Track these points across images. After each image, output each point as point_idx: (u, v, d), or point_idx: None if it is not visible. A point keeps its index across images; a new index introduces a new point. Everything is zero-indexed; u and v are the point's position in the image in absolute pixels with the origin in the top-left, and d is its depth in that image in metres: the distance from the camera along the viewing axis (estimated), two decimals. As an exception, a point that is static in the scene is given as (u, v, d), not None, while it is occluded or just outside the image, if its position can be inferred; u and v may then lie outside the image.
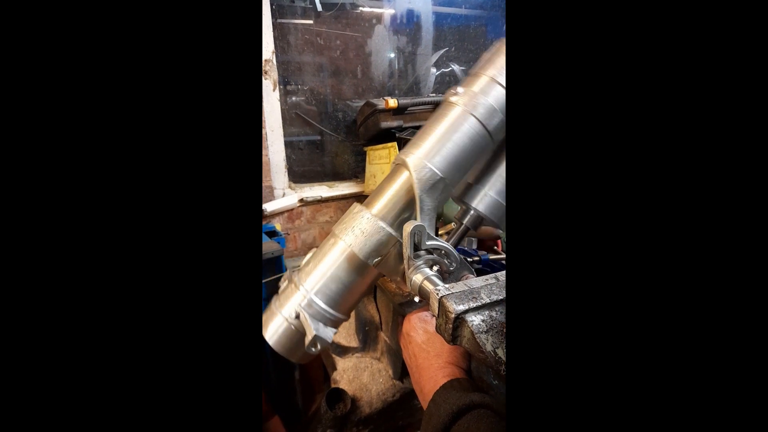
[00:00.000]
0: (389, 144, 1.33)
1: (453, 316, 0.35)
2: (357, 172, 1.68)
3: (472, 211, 0.49)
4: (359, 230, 0.44)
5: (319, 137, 1.57)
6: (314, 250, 0.48)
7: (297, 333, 0.45)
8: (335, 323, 0.47)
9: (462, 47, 1.77)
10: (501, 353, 0.35)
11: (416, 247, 0.43)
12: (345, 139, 1.62)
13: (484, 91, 0.45)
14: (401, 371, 0.64)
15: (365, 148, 1.54)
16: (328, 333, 0.45)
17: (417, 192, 0.43)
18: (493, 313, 0.37)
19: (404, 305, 0.53)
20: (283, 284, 0.49)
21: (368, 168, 1.50)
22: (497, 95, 0.44)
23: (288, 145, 1.47)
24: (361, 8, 1.53)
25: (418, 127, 0.96)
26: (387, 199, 0.45)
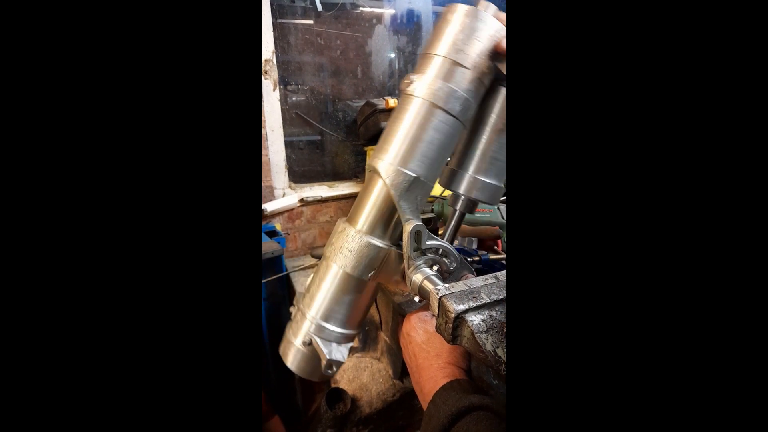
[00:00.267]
0: (389, 144, 1.32)
1: (453, 315, 0.35)
2: (357, 172, 1.68)
3: (462, 197, 0.48)
4: (347, 250, 0.44)
5: (319, 137, 1.57)
6: (312, 274, 0.49)
7: (314, 357, 0.47)
8: (348, 338, 0.48)
9: (462, 47, 1.77)
10: (501, 353, 0.35)
11: (416, 247, 0.43)
12: (345, 139, 1.62)
13: (440, 75, 0.41)
14: (401, 371, 0.64)
15: (365, 148, 1.54)
16: (341, 353, 0.47)
17: (395, 199, 0.42)
18: (493, 313, 0.37)
19: (404, 305, 0.53)
20: (293, 310, 0.51)
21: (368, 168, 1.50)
22: (454, 75, 0.41)
23: (288, 145, 1.47)
24: (361, 8, 1.53)
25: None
26: (368, 211, 0.45)
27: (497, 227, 1.04)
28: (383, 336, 0.73)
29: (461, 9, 0.41)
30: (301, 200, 1.44)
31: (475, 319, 0.36)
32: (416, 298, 0.43)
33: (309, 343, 0.46)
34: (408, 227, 0.41)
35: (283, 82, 1.42)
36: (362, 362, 0.78)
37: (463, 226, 1.05)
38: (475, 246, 1.00)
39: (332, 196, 1.51)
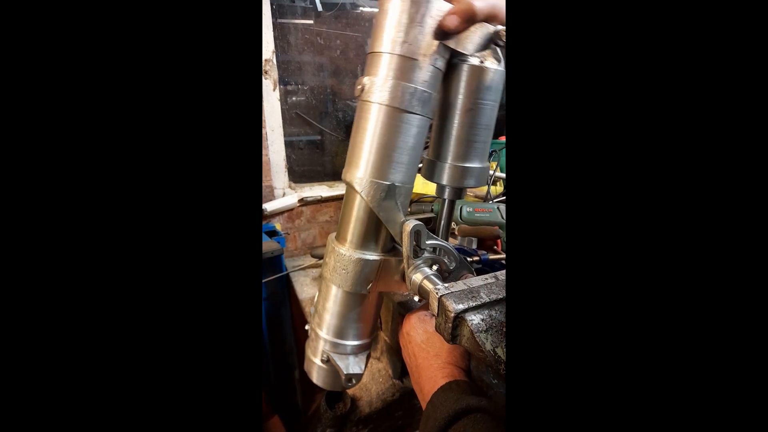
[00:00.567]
0: (389, 144, 1.32)
1: (452, 315, 0.35)
2: (357, 172, 1.67)
3: (447, 188, 0.48)
4: (341, 268, 0.44)
5: (319, 137, 1.57)
6: (317, 293, 0.51)
7: (335, 372, 0.49)
8: (363, 347, 0.50)
9: (462, 47, 1.77)
10: (500, 352, 0.35)
11: (415, 246, 0.43)
12: (345, 139, 1.62)
13: (392, 74, 0.39)
14: (401, 371, 0.64)
15: (365, 148, 1.53)
16: (359, 366, 0.48)
17: (375, 210, 0.41)
18: (493, 312, 0.37)
19: (404, 305, 0.53)
20: (308, 328, 0.53)
21: (368, 168, 1.49)
22: (407, 70, 0.38)
23: (288, 144, 1.47)
24: (361, 8, 1.53)
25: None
26: (353, 226, 0.44)
27: (497, 227, 1.04)
28: (383, 336, 0.73)
29: None
30: (301, 200, 1.44)
31: (475, 319, 0.36)
32: (416, 298, 0.43)
33: (327, 360, 0.48)
34: (408, 227, 0.42)
35: (283, 81, 1.42)
36: (362, 362, 0.78)
37: (463, 226, 1.05)
38: (474, 246, 1.00)
39: (332, 196, 1.50)
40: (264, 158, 1.37)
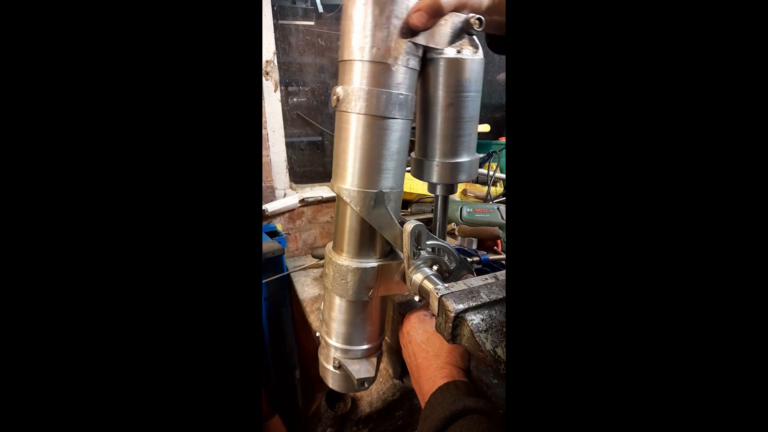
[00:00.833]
0: (390, 144, 1.33)
1: (452, 315, 0.36)
2: (358, 173, 1.67)
3: (438, 186, 0.47)
4: (340, 278, 0.45)
5: (320, 138, 1.57)
6: (322, 302, 0.51)
7: (348, 376, 0.50)
8: (373, 350, 0.50)
9: (463, 48, 1.77)
10: (500, 352, 0.35)
11: (416, 247, 0.43)
12: (346, 140, 1.62)
13: (366, 81, 0.38)
14: (401, 371, 0.64)
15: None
16: (369, 370, 0.49)
17: (367, 219, 0.41)
18: (493, 312, 0.37)
19: (404, 304, 0.53)
20: (318, 336, 0.54)
21: (369, 168, 1.49)
22: (380, 76, 0.37)
23: (289, 145, 1.47)
24: (362, 9, 1.52)
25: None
26: (348, 236, 0.44)
27: (497, 228, 1.04)
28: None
29: None
30: (302, 200, 1.45)
31: (475, 319, 0.36)
32: (416, 298, 0.43)
33: (339, 366, 0.50)
34: (408, 228, 0.42)
35: (285, 83, 1.42)
36: (362, 362, 0.78)
37: (463, 227, 1.05)
38: (474, 246, 1.01)
39: (333, 197, 1.50)
40: (265, 159, 1.37)
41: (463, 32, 0.40)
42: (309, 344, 1.27)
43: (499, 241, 1.04)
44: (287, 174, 1.48)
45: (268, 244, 1.13)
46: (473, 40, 0.41)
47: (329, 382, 0.53)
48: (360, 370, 0.49)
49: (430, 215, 1.20)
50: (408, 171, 0.46)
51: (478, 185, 1.43)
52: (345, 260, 0.44)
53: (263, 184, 1.38)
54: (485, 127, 1.64)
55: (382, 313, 0.51)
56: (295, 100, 1.47)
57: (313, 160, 1.56)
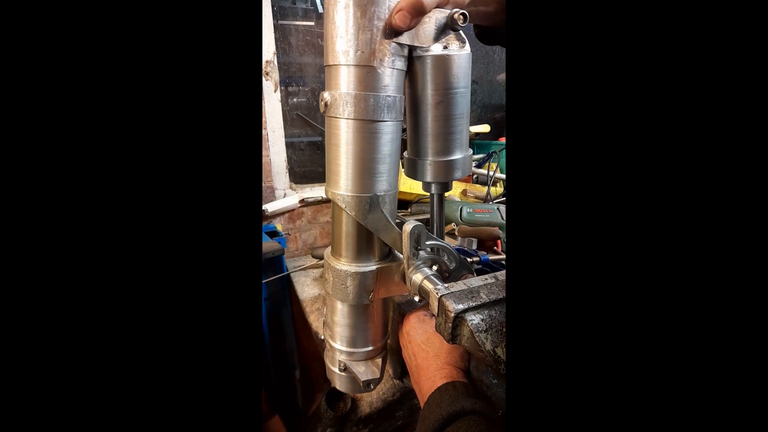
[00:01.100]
0: (390, 145, 1.33)
1: (452, 315, 0.36)
2: (358, 173, 1.67)
3: (433, 185, 0.47)
4: (340, 283, 0.45)
5: (320, 138, 1.57)
6: (326, 307, 0.52)
7: (354, 378, 0.50)
8: (376, 351, 0.51)
9: (463, 48, 1.77)
10: (500, 352, 0.35)
11: (415, 247, 0.44)
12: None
13: (353, 86, 0.37)
14: (401, 371, 0.64)
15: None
16: (374, 372, 0.49)
17: (363, 223, 0.41)
18: (493, 312, 0.37)
19: (404, 305, 0.53)
20: (323, 338, 0.54)
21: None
22: (367, 80, 0.37)
23: (289, 145, 1.47)
24: (362, 9, 1.53)
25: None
26: (345, 241, 0.44)
27: (496, 228, 1.04)
28: (383, 336, 0.73)
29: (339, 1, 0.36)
30: (302, 201, 1.45)
31: (475, 319, 0.36)
32: (416, 298, 0.43)
33: (345, 369, 0.50)
34: (407, 228, 0.42)
35: (285, 83, 1.42)
36: (362, 362, 0.78)
37: (463, 227, 1.05)
38: (474, 246, 1.01)
39: (333, 197, 1.51)
40: (265, 159, 1.37)
41: (447, 28, 0.39)
42: (309, 344, 1.27)
43: (498, 241, 1.04)
44: (287, 174, 1.48)
45: (268, 244, 1.13)
46: (459, 34, 0.41)
47: (336, 384, 0.53)
48: (365, 371, 0.49)
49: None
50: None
51: (478, 185, 1.43)
52: (344, 265, 0.44)
53: (263, 185, 1.38)
54: (485, 128, 1.64)
55: (384, 315, 0.51)
56: (295, 100, 1.47)
57: (313, 160, 1.56)
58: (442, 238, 0.48)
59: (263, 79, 1.33)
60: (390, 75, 0.38)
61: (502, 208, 1.14)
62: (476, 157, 1.55)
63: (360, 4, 0.35)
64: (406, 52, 0.39)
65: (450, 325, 0.36)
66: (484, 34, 0.47)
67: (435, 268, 0.45)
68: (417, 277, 0.43)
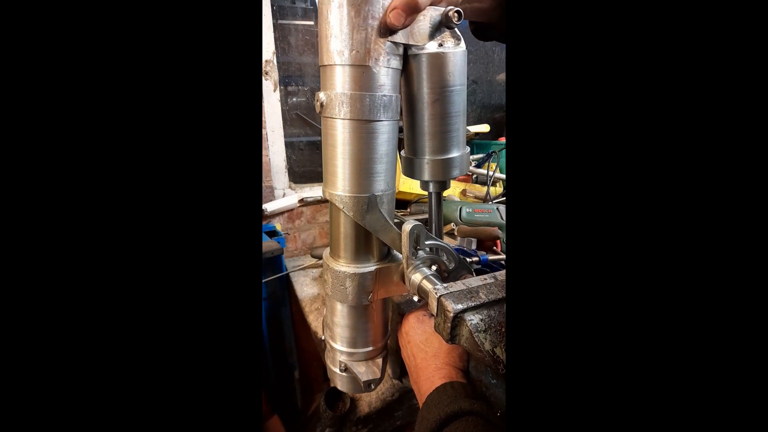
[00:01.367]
0: (389, 144, 1.33)
1: (451, 315, 0.36)
2: (357, 173, 1.67)
3: (430, 183, 0.47)
4: (339, 285, 0.45)
5: (319, 138, 1.57)
6: (325, 308, 0.52)
7: (355, 378, 0.50)
8: (376, 351, 0.51)
9: (462, 48, 1.77)
10: (499, 352, 0.35)
11: (415, 247, 0.44)
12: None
13: (349, 86, 0.37)
14: (400, 371, 0.64)
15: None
16: (374, 372, 0.50)
17: (361, 223, 0.41)
18: (492, 313, 0.37)
19: (403, 305, 0.53)
20: (323, 339, 0.54)
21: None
22: (363, 79, 0.37)
23: (288, 145, 1.47)
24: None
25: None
26: (343, 242, 0.44)
27: (496, 228, 1.04)
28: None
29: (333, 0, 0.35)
30: (301, 200, 1.45)
31: (474, 319, 0.36)
32: (415, 298, 0.43)
33: (345, 369, 0.50)
34: (407, 228, 0.42)
35: (284, 82, 1.42)
36: (361, 362, 0.79)
37: (463, 227, 1.05)
38: (474, 246, 1.01)
39: (332, 197, 1.51)
40: (264, 159, 1.37)
41: (442, 26, 0.39)
42: (308, 344, 1.27)
43: (498, 241, 1.04)
44: (286, 174, 1.48)
45: (267, 244, 1.13)
46: (454, 32, 0.41)
47: (337, 384, 0.53)
48: (366, 372, 0.49)
49: (430, 215, 1.20)
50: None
51: (477, 185, 1.43)
52: (343, 266, 0.44)
53: (262, 184, 1.38)
54: (485, 127, 1.64)
55: (384, 315, 0.51)
56: (294, 99, 1.47)
57: (312, 160, 1.56)
58: (441, 237, 0.48)
59: (263, 78, 1.33)
60: (386, 74, 0.38)
61: (502, 208, 1.14)
62: (476, 157, 1.55)
63: (354, 3, 0.35)
64: (401, 50, 0.39)
65: (449, 325, 0.36)
66: (479, 30, 0.47)
67: (434, 268, 0.45)
68: (416, 277, 0.43)
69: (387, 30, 0.36)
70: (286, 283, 1.26)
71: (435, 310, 0.38)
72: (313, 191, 1.51)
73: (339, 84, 0.37)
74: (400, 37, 0.37)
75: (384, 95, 0.38)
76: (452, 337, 0.37)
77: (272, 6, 1.33)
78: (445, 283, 0.40)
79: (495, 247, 1.05)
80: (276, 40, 1.35)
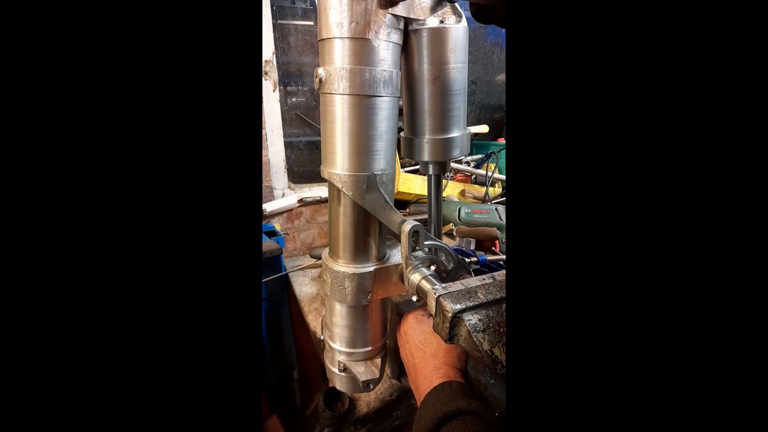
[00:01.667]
0: (389, 145, 1.33)
1: (450, 315, 0.36)
2: (356, 173, 1.67)
3: (430, 165, 0.46)
4: (338, 285, 0.45)
5: (318, 138, 1.57)
6: (324, 309, 0.52)
7: (354, 378, 0.50)
8: (375, 352, 0.51)
9: (462, 49, 1.77)
10: (497, 352, 0.35)
11: (414, 247, 0.44)
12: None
13: (348, 60, 0.36)
14: (399, 370, 0.64)
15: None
16: (373, 372, 0.50)
17: (360, 203, 0.41)
18: (490, 313, 0.37)
19: (402, 305, 0.53)
20: (322, 339, 0.54)
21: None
22: (362, 53, 0.36)
23: (288, 145, 1.47)
24: (361, 9, 1.53)
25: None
26: (343, 242, 0.44)
27: (495, 228, 1.04)
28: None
29: None
30: (301, 200, 1.45)
31: (472, 319, 0.36)
32: (414, 298, 0.43)
33: (344, 369, 0.50)
34: (406, 228, 0.42)
35: (283, 82, 1.42)
36: (360, 362, 0.79)
37: (461, 227, 1.05)
38: (472, 247, 1.01)
39: (331, 197, 1.51)
40: (264, 159, 1.37)
41: (443, 0, 0.39)
42: (307, 344, 1.27)
43: (497, 241, 1.04)
44: (286, 174, 1.48)
45: (267, 244, 1.13)
46: (455, 8, 0.40)
47: (336, 384, 0.53)
48: (364, 371, 0.49)
49: (429, 215, 1.20)
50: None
51: (476, 186, 1.43)
52: (342, 266, 0.45)
53: (262, 184, 1.38)
54: (484, 128, 1.64)
55: (382, 315, 0.51)
56: (293, 100, 1.47)
57: (311, 160, 1.56)
58: (440, 227, 0.48)
59: (262, 78, 1.33)
60: (386, 48, 0.37)
61: (501, 208, 1.14)
62: (475, 157, 1.55)
63: None
64: (401, 24, 0.38)
65: (447, 325, 0.36)
66: (480, 11, 0.47)
67: (433, 268, 0.45)
68: (415, 277, 0.43)
69: (387, 1, 0.35)
70: (285, 283, 1.26)
71: (434, 310, 0.38)
72: (313, 191, 1.51)
73: (338, 58, 0.36)
74: (400, 10, 0.37)
75: (384, 70, 0.37)
76: (451, 337, 0.37)
77: (272, 6, 1.33)
78: (443, 283, 0.40)
79: (494, 248, 1.05)
80: (276, 40, 1.35)
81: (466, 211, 1.13)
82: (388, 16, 0.36)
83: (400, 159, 1.30)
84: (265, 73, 1.33)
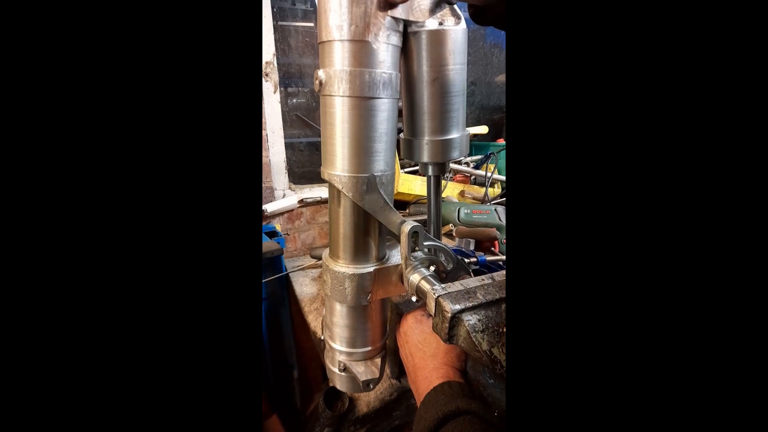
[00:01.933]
0: (389, 146, 1.33)
1: (449, 315, 0.36)
2: (356, 174, 1.67)
3: (429, 166, 0.46)
4: (338, 285, 0.45)
5: (319, 139, 1.57)
6: (325, 309, 0.52)
7: (355, 378, 0.51)
8: (375, 351, 0.51)
9: (461, 50, 1.77)
10: (496, 352, 0.35)
11: (413, 247, 0.44)
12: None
13: (348, 62, 0.36)
14: (399, 370, 0.65)
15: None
16: (373, 371, 0.50)
17: (360, 204, 0.41)
18: (489, 313, 0.37)
19: (401, 305, 0.54)
20: (322, 339, 0.55)
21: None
22: (362, 55, 0.36)
23: (288, 146, 1.47)
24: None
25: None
26: (343, 243, 0.44)
27: (494, 229, 1.04)
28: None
29: None
30: (301, 201, 1.45)
31: (471, 319, 0.36)
32: (413, 298, 0.44)
33: (345, 369, 0.51)
34: (405, 228, 0.42)
35: (284, 84, 1.42)
36: (360, 362, 0.79)
37: (461, 228, 1.06)
38: (472, 247, 1.01)
39: (332, 197, 1.51)
40: (264, 159, 1.37)
41: (442, 2, 0.39)
42: (307, 344, 1.27)
43: (496, 242, 1.05)
44: (286, 175, 1.48)
45: (267, 245, 1.13)
46: (455, 9, 0.40)
47: (336, 383, 0.53)
48: (364, 371, 0.50)
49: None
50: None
51: (476, 186, 1.43)
52: (342, 267, 0.45)
53: (262, 185, 1.38)
54: (483, 129, 1.65)
55: (382, 315, 0.51)
56: (294, 101, 1.48)
57: (312, 161, 1.56)
58: (439, 228, 0.49)
59: (263, 80, 1.33)
60: (385, 50, 0.37)
61: (500, 209, 1.14)
62: (474, 158, 1.55)
63: None
64: (401, 27, 0.39)
65: (447, 325, 0.37)
66: (478, 13, 0.47)
67: (432, 268, 0.45)
68: (414, 278, 0.43)
69: (387, 4, 0.36)
70: (286, 284, 1.27)
71: (433, 311, 0.38)
72: (313, 192, 1.51)
73: (338, 60, 0.37)
74: (400, 12, 0.37)
75: (384, 72, 0.37)
76: (450, 337, 0.37)
77: (272, 8, 1.33)
78: (443, 283, 0.41)
79: (493, 248, 1.05)
80: (276, 41, 1.35)
81: (466, 211, 1.13)
82: (388, 18, 0.36)
83: (399, 160, 1.30)
84: (266, 75, 1.34)
